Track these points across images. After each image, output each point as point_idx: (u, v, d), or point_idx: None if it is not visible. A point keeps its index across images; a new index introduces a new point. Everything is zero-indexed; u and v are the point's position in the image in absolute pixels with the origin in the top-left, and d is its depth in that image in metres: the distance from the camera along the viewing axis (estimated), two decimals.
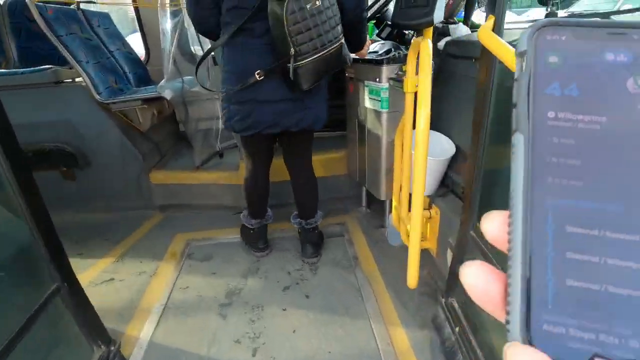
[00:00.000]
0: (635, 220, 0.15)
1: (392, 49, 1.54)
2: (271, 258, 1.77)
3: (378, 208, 2.03)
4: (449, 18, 1.77)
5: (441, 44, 1.71)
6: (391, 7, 2.49)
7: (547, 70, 0.16)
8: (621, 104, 0.15)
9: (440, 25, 1.73)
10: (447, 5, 1.68)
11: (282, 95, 1.35)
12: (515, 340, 0.15)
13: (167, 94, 2.00)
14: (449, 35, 1.76)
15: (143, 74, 2.59)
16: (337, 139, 2.33)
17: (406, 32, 1.82)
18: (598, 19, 0.21)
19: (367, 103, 1.66)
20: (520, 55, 0.17)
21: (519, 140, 0.16)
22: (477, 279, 0.17)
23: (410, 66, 1.26)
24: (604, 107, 0.16)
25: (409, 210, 1.50)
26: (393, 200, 1.62)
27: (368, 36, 1.58)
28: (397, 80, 1.44)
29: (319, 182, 2.18)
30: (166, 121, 2.57)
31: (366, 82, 1.63)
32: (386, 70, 1.49)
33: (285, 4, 1.15)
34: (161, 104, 2.32)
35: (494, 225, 0.18)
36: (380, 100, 1.55)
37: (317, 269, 1.67)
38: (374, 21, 2.17)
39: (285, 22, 1.16)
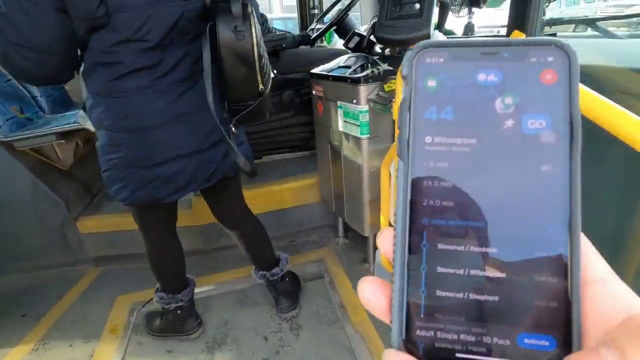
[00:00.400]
0: (495, 235, 0.16)
1: (368, 64, 1.31)
2: (242, 317, 1.47)
3: (357, 238, 1.81)
4: None
5: None
6: (353, 13, 2.27)
7: (425, 94, 0.17)
8: (489, 125, 0.17)
9: None
10: None
11: (213, 140, 1.07)
12: (394, 346, 0.17)
13: (91, 125, 1.59)
14: None
15: (60, 95, 2.13)
16: (306, 160, 2.07)
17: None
18: (477, 38, 0.26)
19: (342, 127, 1.42)
20: (403, 79, 0.18)
21: (399, 167, 0.18)
22: (369, 294, 0.18)
23: (400, 88, 1.03)
24: (474, 129, 0.17)
25: None
26: None
27: None
28: (379, 103, 1.22)
29: (288, 213, 1.92)
30: (96, 152, 2.13)
31: (339, 103, 1.39)
32: (365, 91, 1.26)
33: (255, 39, 0.91)
34: (87, 131, 1.90)
35: (387, 242, 0.18)
36: (359, 125, 1.32)
37: (299, 328, 1.40)
38: (334, 28, 1.94)
39: (255, 59, 0.92)
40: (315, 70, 1.51)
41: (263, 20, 1.86)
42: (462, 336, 0.16)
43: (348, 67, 1.40)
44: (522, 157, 0.16)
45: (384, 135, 1.36)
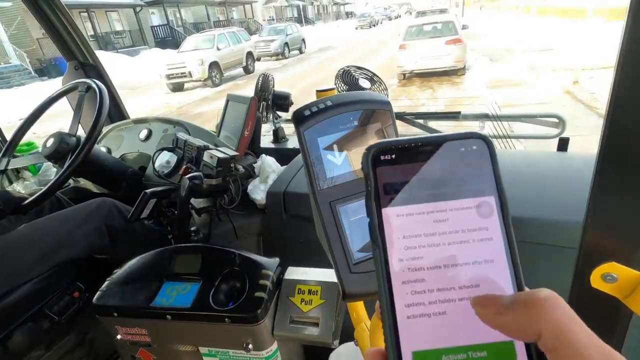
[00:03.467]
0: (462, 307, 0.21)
1: (237, 271, 0.73)
2: None
3: None
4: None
5: (258, 196, 1.06)
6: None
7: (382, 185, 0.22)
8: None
9: (239, 167, 1.06)
10: (242, 138, 1.05)
11: None
12: None
13: None
14: (254, 175, 1.14)
15: None
16: None
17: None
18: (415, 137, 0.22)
19: None
20: (365, 175, 0.22)
21: (374, 253, 0.21)
22: None
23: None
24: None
25: None
26: None
27: None
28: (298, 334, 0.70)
29: None
30: None
31: (207, 350, 0.73)
32: (267, 327, 0.70)
33: None
34: None
35: None
36: None
37: None
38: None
39: None
40: (102, 301, 0.75)
41: None
42: None
43: (192, 277, 0.75)
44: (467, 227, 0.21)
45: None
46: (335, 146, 0.53)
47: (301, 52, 16.00)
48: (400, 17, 39.55)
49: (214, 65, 10.46)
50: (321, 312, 0.71)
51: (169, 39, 19.77)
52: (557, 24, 10.78)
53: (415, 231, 0.21)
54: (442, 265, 0.21)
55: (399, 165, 0.21)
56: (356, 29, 27.00)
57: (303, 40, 16.31)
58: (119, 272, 0.81)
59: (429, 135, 0.22)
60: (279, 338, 0.72)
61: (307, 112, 0.52)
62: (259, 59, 14.04)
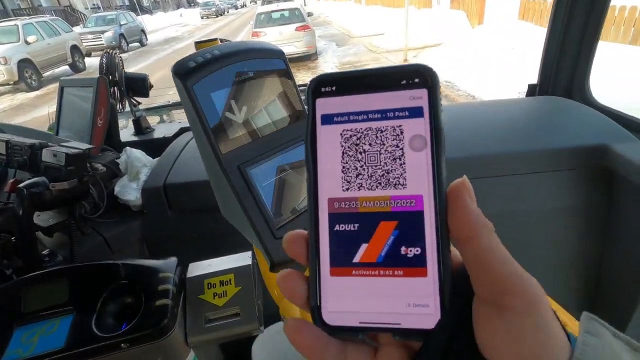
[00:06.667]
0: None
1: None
2: None
3: None
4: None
5: (131, 197, 0.89)
6: None
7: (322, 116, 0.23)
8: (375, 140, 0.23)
9: (97, 166, 0.86)
10: (95, 128, 0.86)
11: None
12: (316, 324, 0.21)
13: None
14: (120, 174, 0.94)
15: None
16: None
17: None
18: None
19: None
20: (307, 105, 0.23)
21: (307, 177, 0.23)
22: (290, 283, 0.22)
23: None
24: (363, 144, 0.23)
25: None
26: None
27: None
28: None
29: None
30: None
31: None
32: None
33: None
34: None
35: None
36: None
37: None
38: None
39: None
40: None
41: None
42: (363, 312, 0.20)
43: None
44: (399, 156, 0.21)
45: None
46: (232, 102, 0.46)
47: (143, 45, 14.23)
48: (246, 5, 39.16)
49: (25, 63, 8.36)
50: (239, 300, 0.64)
51: None
52: (383, 12, 12.44)
53: (346, 159, 0.22)
54: (368, 189, 0.21)
55: (339, 97, 0.22)
56: (202, 18, 25.50)
57: (143, 31, 14.51)
58: None
59: (369, 68, 0.22)
60: (196, 345, 0.62)
61: (191, 64, 0.44)
62: (89, 54, 11.89)
